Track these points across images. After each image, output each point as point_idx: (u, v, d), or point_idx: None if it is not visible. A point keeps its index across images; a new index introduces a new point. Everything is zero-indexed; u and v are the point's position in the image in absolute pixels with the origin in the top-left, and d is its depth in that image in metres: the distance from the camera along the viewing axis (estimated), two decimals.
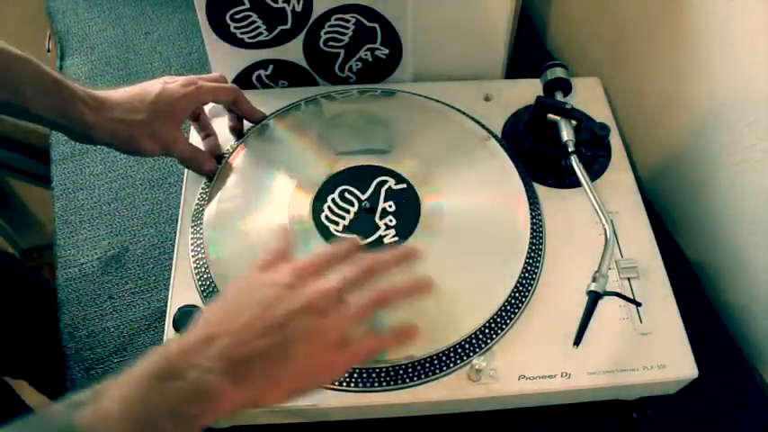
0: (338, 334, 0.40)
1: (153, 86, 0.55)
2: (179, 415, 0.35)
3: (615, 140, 0.62)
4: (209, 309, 0.41)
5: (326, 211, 0.56)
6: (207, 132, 0.61)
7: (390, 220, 0.55)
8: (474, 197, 0.57)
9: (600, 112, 0.64)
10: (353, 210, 0.56)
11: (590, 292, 0.48)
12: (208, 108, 0.62)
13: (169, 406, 0.35)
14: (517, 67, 0.74)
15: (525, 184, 0.58)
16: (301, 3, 0.61)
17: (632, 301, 0.51)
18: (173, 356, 0.36)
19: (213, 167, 0.59)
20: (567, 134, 0.57)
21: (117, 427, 0.33)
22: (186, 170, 0.60)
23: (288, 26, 0.63)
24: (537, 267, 0.54)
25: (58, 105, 0.50)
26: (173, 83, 0.56)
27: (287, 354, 0.38)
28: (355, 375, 0.48)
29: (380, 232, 0.54)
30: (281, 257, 0.44)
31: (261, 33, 0.64)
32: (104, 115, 0.52)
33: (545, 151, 0.59)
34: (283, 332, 0.38)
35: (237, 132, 0.62)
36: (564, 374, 0.49)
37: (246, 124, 0.62)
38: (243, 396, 0.37)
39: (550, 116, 0.58)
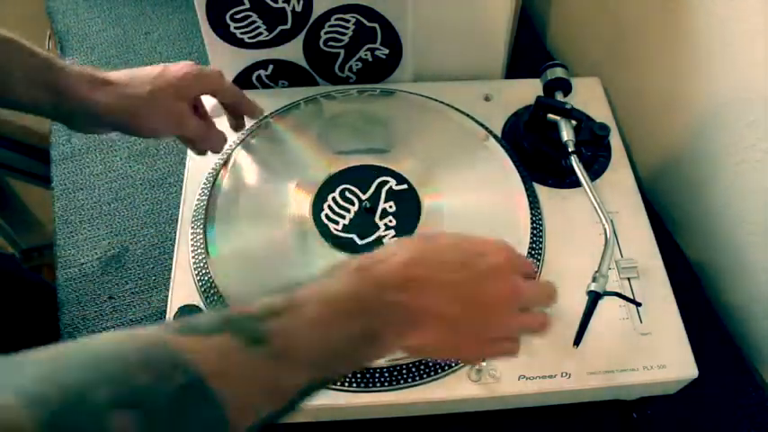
0: (509, 333, 0.41)
1: (154, 67, 0.53)
2: (355, 352, 0.35)
3: (615, 140, 0.62)
4: (415, 243, 0.39)
5: (327, 210, 0.56)
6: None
7: (390, 221, 0.55)
8: (474, 197, 0.57)
9: (600, 112, 0.64)
10: (353, 209, 0.56)
11: (590, 292, 0.48)
12: (209, 107, 0.62)
13: (351, 343, 0.35)
14: (517, 67, 0.74)
15: (525, 184, 0.58)
16: (301, 3, 0.61)
17: (632, 301, 0.51)
18: (368, 292, 0.35)
19: (223, 144, 0.57)
20: (567, 134, 0.57)
21: (303, 351, 0.32)
22: (186, 169, 0.60)
23: (288, 26, 0.63)
24: (537, 267, 0.53)
25: (53, 85, 0.47)
26: (175, 65, 0.53)
27: (466, 331, 0.39)
28: (355, 375, 0.48)
29: (380, 232, 0.55)
30: None
31: (261, 33, 0.64)
32: (107, 92, 0.49)
33: (545, 151, 0.59)
34: (476, 313, 0.39)
35: (238, 128, 0.61)
36: (564, 374, 0.49)
37: (249, 122, 0.62)
38: (410, 344, 0.37)
39: (550, 116, 0.58)
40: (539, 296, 0.43)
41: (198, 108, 0.57)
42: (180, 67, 0.53)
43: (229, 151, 0.60)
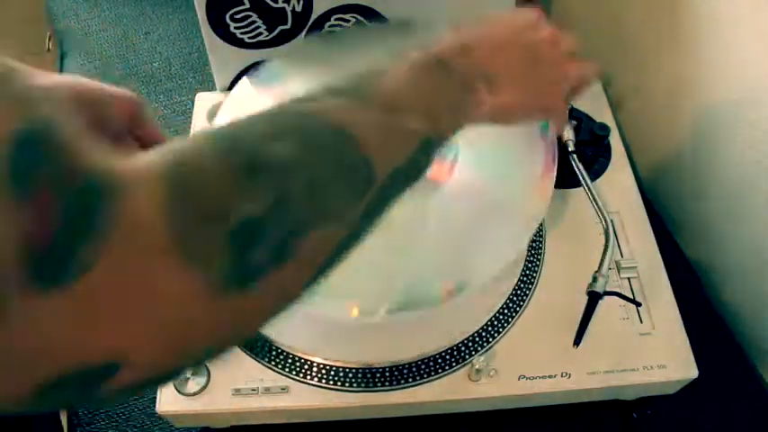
0: (573, 75, 0.45)
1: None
2: (451, 103, 0.37)
3: (615, 140, 0.62)
4: (459, 30, 0.41)
5: None
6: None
7: None
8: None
9: (600, 112, 0.64)
10: None
11: (590, 292, 0.48)
12: (206, 109, 0.62)
13: (444, 93, 0.36)
14: None
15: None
16: (301, 3, 0.61)
17: (632, 301, 0.51)
18: (441, 55, 0.37)
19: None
20: (567, 134, 0.57)
21: (409, 100, 0.34)
22: None
23: (288, 26, 0.63)
24: (537, 267, 0.53)
25: None
26: None
27: (536, 76, 0.42)
28: (355, 375, 0.48)
29: None
30: None
31: (261, 33, 0.64)
32: None
33: None
34: (536, 56, 0.42)
35: None
36: (564, 374, 0.49)
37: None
38: (498, 102, 0.39)
39: None
40: (583, 72, 0.47)
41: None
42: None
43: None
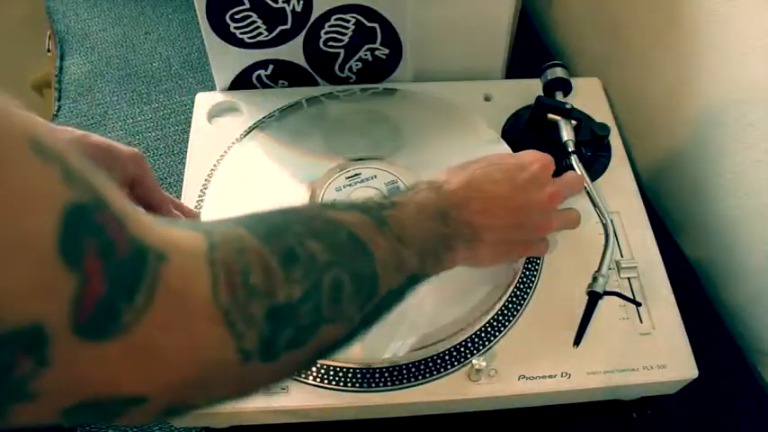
0: (550, 231, 0.49)
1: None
2: (437, 252, 0.40)
3: (615, 140, 0.62)
4: (472, 167, 0.45)
5: None
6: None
7: None
8: None
9: (600, 112, 0.64)
10: None
11: (590, 292, 0.48)
12: (205, 111, 0.62)
13: (436, 242, 0.40)
14: (517, 67, 0.74)
15: None
16: (301, 3, 0.61)
17: (632, 300, 0.51)
18: (445, 204, 0.41)
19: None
20: (567, 134, 0.57)
21: (412, 237, 0.37)
22: (186, 168, 0.60)
23: (288, 26, 0.63)
24: (537, 267, 0.53)
25: None
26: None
27: (515, 238, 0.46)
28: (355, 375, 0.48)
29: None
30: None
31: (261, 33, 0.64)
32: None
33: (545, 151, 0.59)
34: (521, 220, 0.45)
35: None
36: (564, 374, 0.49)
37: (249, 122, 0.62)
38: (468, 257, 0.43)
39: (550, 116, 0.58)
40: (571, 189, 0.50)
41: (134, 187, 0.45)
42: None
43: (229, 150, 0.60)
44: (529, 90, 0.62)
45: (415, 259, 0.37)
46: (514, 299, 0.51)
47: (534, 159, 0.48)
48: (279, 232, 0.29)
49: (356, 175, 0.58)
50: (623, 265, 0.53)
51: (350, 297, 0.30)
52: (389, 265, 0.34)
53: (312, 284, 0.28)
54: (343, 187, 0.57)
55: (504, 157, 0.48)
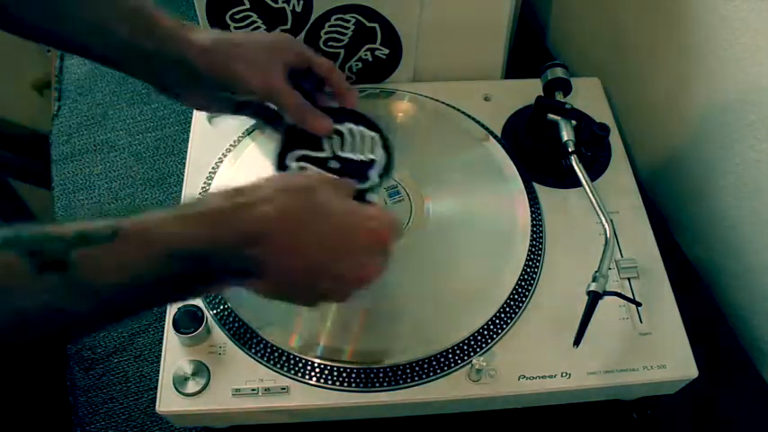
0: (371, 281, 0.41)
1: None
2: (175, 288, 0.35)
3: (615, 140, 0.62)
4: (290, 194, 0.38)
5: None
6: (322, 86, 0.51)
7: None
8: (474, 197, 0.57)
9: (600, 112, 0.64)
10: None
11: (590, 292, 0.48)
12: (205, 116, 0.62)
13: (173, 279, 0.34)
14: (517, 67, 0.74)
15: (525, 184, 0.58)
16: (301, 3, 0.61)
17: (632, 300, 0.51)
18: (220, 235, 0.35)
19: (326, 124, 0.48)
20: (567, 134, 0.57)
21: (109, 287, 0.32)
22: (186, 169, 0.60)
23: (288, 26, 0.63)
24: (537, 267, 0.53)
25: (153, 31, 0.44)
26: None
27: (318, 289, 0.40)
28: (355, 375, 0.48)
29: None
30: None
31: None
32: (199, 33, 0.46)
33: (545, 151, 0.59)
34: (337, 277, 0.39)
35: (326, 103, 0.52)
36: (564, 374, 0.49)
37: (249, 122, 0.62)
38: (262, 288, 0.38)
39: (550, 116, 0.58)
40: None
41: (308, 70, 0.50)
42: (277, 33, 0.54)
43: (229, 150, 0.60)
44: (529, 90, 0.62)
45: (98, 307, 0.32)
46: (514, 299, 0.51)
47: (374, 228, 0.40)
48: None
49: None
50: (623, 265, 0.53)
51: None
52: (29, 319, 0.30)
53: None
54: None
55: (351, 211, 0.40)
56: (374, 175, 0.47)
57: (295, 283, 0.39)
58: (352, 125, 0.49)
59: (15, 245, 0.29)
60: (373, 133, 0.49)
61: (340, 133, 0.49)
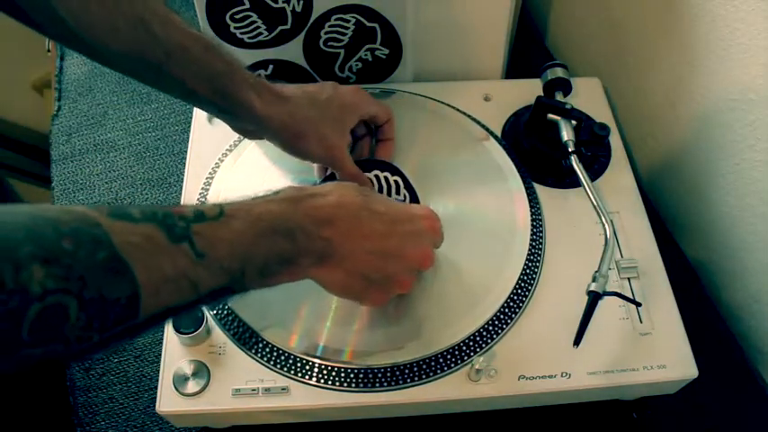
0: (407, 288, 0.45)
1: (325, 87, 0.53)
2: (265, 268, 0.38)
3: (615, 140, 0.62)
4: (349, 191, 0.43)
5: None
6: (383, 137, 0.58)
7: None
8: (474, 197, 0.57)
9: (600, 112, 0.64)
10: None
11: (590, 293, 0.48)
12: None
13: (265, 258, 0.37)
14: (517, 67, 0.74)
15: (525, 184, 0.58)
16: (301, 3, 0.61)
17: (632, 301, 0.51)
18: (300, 218, 0.39)
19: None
20: (567, 134, 0.57)
21: (222, 255, 0.35)
22: (186, 168, 0.60)
23: (288, 26, 0.63)
24: (537, 267, 0.54)
25: (226, 88, 0.48)
26: (344, 87, 0.54)
27: (370, 280, 0.43)
28: (355, 375, 0.48)
29: None
30: None
31: (261, 33, 0.64)
32: (275, 106, 0.49)
33: (545, 151, 0.59)
34: (385, 268, 0.43)
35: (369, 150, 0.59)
36: (564, 374, 0.49)
37: None
38: (314, 275, 0.41)
39: (550, 116, 0.58)
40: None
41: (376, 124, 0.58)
42: (349, 92, 0.54)
43: (229, 150, 0.60)
44: (529, 90, 0.62)
45: (222, 277, 0.35)
46: (514, 299, 0.51)
47: (425, 215, 0.46)
48: (8, 248, 0.27)
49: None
50: (623, 265, 0.53)
51: (75, 323, 0.28)
52: (169, 283, 0.32)
53: (8, 312, 0.26)
54: None
55: (397, 203, 0.46)
56: None
57: (365, 269, 0.42)
58: (378, 171, 0.56)
59: (153, 219, 0.32)
60: (396, 177, 0.56)
61: (369, 181, 0.55)
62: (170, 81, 0.46)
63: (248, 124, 0.50)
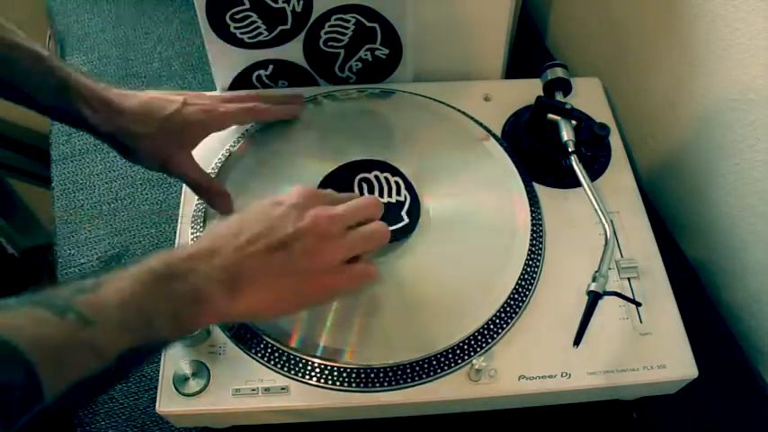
0: (338, 258, 0.42)
1: (171, 102, 0.53)
2: (173, 314, 0.37)
3: (615, 140, 0.62)
4: (217, 225, 0.44)
5: None
6: None
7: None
8: (474, 197, 0.57)
9: (600, 112, 0.64)
10: None
11: (590, 292, 0.48)
12: None
13: (166, 305, 0.36)
14: (517, 67, 0.74)
15: (525, 184, 0.58)
16: (301, 3, 0.61)
17: (632, 301, 0.51)
18: (176, 261, 0.38)
19: (226, 204, 0.55)
20: (567, 134, 0.57)
21: (113, 315, 0.34)
22: None
23: (288, 26, 0.63)
24: (537, 267, 0.53)
25: (62, 103, 0.49)
26: (193, 105, 0.54)
27: (287, 270, 0.40)
28: (355, 375, 0.48)
29: None
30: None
31: (261, 33, 0.64)
32: (110, 121, 0.50)
33: (545, 151, 0.59)
34: (286, 250, 0.40)
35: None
36: (564, 374, 0.49)
37: (249, 124, 0.62)
38: (241, 307, 0.39)
39: (550, 116, 0.58)
40: (363, 243, 0.43)
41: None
42: (195, 112, 0.54)
43: (229, 151, 0.60)
44: (529, 90, 0.62)
45: (123, 336, 0.34)
46: (514, 299, 0.51)
47: (293, 192, 0.43)
48: None
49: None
50: (623, 265, 0.53)
51: None
52: (66, 354, 0.32)
53: None
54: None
55: (261, 201, 0.44)
56: (405, 215, 0.54)
57: (275, 272, 0.40)
58: (378, 172, 0.56)
59: (30, 302, 0.32)
60: (396, 177, 0.56)
61: (368, 181, 0.55)
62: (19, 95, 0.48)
63: (88, 131, 0.51)
